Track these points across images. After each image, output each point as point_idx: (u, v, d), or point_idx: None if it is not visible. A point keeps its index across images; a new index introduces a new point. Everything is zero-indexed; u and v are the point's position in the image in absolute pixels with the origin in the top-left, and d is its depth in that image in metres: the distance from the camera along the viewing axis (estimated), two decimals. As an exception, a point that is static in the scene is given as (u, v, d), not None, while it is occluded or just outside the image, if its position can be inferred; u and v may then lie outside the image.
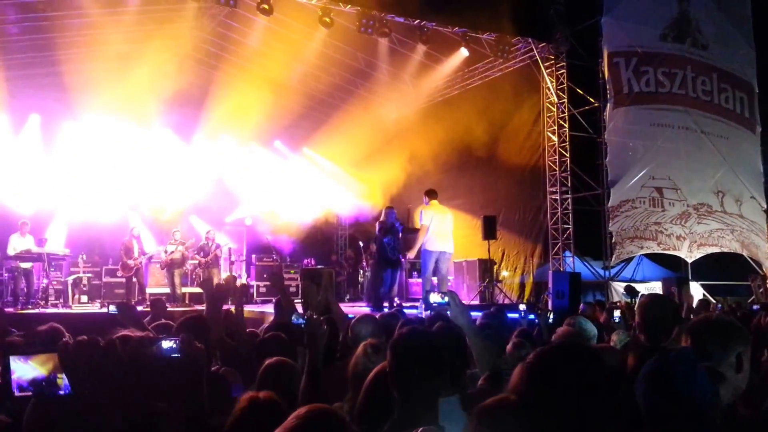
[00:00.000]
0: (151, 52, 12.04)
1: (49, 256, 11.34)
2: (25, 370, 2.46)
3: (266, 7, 10.74)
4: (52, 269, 11.59)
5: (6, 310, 6.40)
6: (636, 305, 4.56)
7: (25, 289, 10.85)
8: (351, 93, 14.64)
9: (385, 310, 9.23)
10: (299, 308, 5.15)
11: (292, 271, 14.07)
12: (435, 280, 9.90)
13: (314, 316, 3.13)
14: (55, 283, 11.70)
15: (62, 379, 2.40)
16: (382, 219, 10.32)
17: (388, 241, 10.17)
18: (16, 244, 11.01)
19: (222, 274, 12.91)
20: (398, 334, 2.41)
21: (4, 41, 11.81)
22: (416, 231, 9.91)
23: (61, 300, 11.59)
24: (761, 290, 11.00)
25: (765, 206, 13.20)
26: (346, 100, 14.74)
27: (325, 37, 12.25)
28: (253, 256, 14.59)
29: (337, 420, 1.75)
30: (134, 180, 14.50)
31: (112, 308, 6.53)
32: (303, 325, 3.89)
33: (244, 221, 15.50)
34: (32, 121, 13.90)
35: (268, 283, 13.50)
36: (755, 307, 5.86)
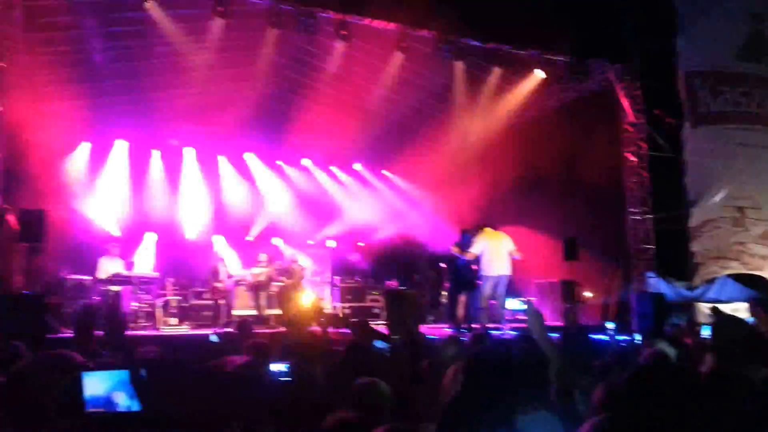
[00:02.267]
0: (232, 78, 12.65)
1: (139, 279, 11.57)
2: (96, 387, 2.45)
3: (345, 33, 11.19)
4: (141, 292, 11.73)
5: (97, 332, 6.76)
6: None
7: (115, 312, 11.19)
8: (428, 116, 14.90)
9: (464, 331, 9.42)
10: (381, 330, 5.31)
11: (376, 293, 14.31)
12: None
13: (399, 340, 3.22)
14: (144, 305, 11.83)
15: (124, 397, 2.43)
16: (457, 241, 10.60)
17: (463, 262, 10.44)
18: (107, 267, 11.31)
19: (306, 296, 13.29)
20: (471, 354, 2.46)
21: (92, 70, 12.18)
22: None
23: (150, 322, 11.70)
24: None
25: None
26: (423, 123, 15.00)
27: (402, 62, 12.59)
28: (337, 278, 14.93)
29: None
30: (219, 204, 15.10)
31: (214, 337, 6.91)
32: (386, 350, 3.97)
33: (327, 243, 15.88)
34: (120, 147, 14.28)
35: (351, 304, 13.83)
36: None
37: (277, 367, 2.74)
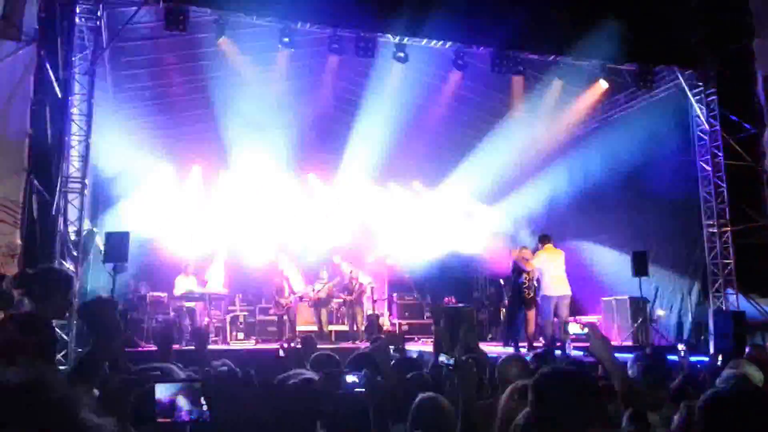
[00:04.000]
0: (296, 103, 12.95)
1: (210, 296, 12.28)
2: (169, 397, 2.55)
3: (402, 54, 11.20)
4: (213, 308, 12.43)
5: (174, 346, 7.17)
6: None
7: (189, 327, 11.60)
8: (488, 131, 14.71)
9: (522, 350, 9.12)
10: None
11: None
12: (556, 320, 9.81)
13: (463, 357, 3.19)
14: (215, 321, 12.47)
15: (195, 407, 2.51)
16: (517, 258, 10.34)
17: (522, 280, 10.16)
18: (181, 285, 12.02)
19: (366, 312, 13.30)
20: (540, 374, 2.36)
21: (171, 102, 13.24)
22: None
23: (220, 337, 12.33)
24: None
25: None
26: (483, 138, 14.82)
27: (459, 79, 12.48)
28: (395, 294, 14.90)
29: None
30: (283, 223, 15.38)
31: (281, 353, 7.13)
32: (451, 366, 3.93)
33: (385, 260, 15.89)
34: (194, 171, 15.22)
35: (409, 321, 13.77)
36: None
37: (350, 378, 2.79)
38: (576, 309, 13.07)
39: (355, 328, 12.79)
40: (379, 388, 2.59)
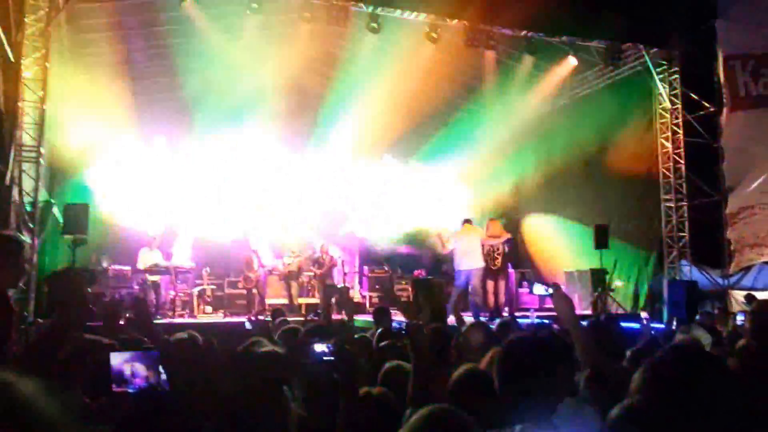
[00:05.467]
0: (264, 72, 12.80)
1: (176, 270, 11.99)
2: (123, 366, 2.49)
3: (375, 26, 11.21)
4: (179, 282, 12.22)
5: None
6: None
7: (155, 301, 11.42)
8: (459, 105, 14.85)
9: (482, 319, 9.47)
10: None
11: (404, 282, 14.41)
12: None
13: (415, 323, 3.27)
14: (182, 294, 12.33)
15: (151, 376, 2.44)
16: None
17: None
18: (146, 258, 11.71)
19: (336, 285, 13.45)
20: (507, 340, 2.42)
21: (132, 69, 12.59)
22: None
23: (187, 310, 12.23)
24: None
25: None
26: (454, 112, 14.96)
27: (432, 52, 12.55)
28: (365, 267, 15.05)
29: (460, 419, 1.85)
30: (252, 195, 15.28)
31: (248, 324, 7.11)
32: (404, 332, 4.08)
33: (356, 234, 15.99)
34: (158, 141, 14.41)
35: (380, 293, 13.97)
36: None
37: (319, 347, 2.83)
38: (541, 279, 13.52)
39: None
40: (348, 357, 2.67)
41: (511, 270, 13.17)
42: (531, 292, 10.42)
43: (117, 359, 2.50)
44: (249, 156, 15.21)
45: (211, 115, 13.35)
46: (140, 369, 2.50)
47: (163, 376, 2.49)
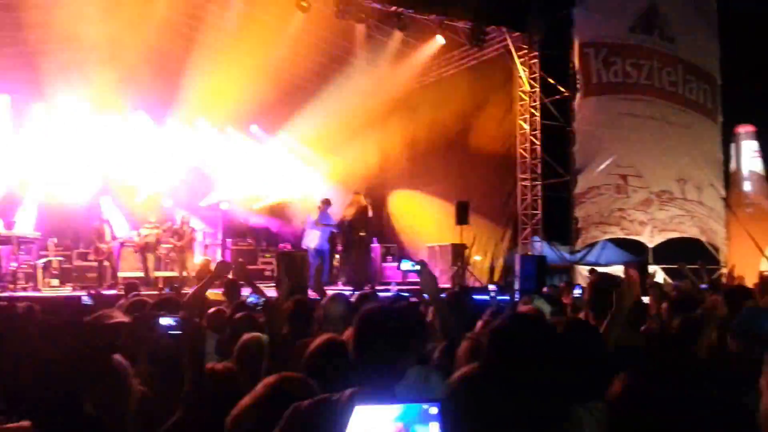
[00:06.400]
0: (124, 34, 11.98)
1: (18, 239, 11.17)
2: None
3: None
4: (22, 252, 11.43)
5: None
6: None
7: None
8: (328, 78, 14.71)
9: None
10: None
11: (268, 255, 14.19)
12: None
13: (272, 297, 3.25)
14: (25, 266, 11.52)
15: None
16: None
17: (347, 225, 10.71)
18: None
19: (196, 259, 12.98)
20: (364, 310, 2.44)
21: None
22: None
23: (31, 283, 11.38)
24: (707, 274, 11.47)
25: (723, 194, 13.65)
26: (322, 85, 14.80)
27: (302, 22, 12.29)
28: (229, 240, 14.66)
29: (306, 386, 1.86)
30: (107, 163, 14.38)
31: (87, 299, 6.54)
32: (259, 305, 4.02)
33: (220, 205, 15.52)
34: (1, 101, 13.53)
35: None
36: (703, 286, 6.23)
37: (165, 321, 2.71)
38: (405, 254, 13.84)
39: (184, 275, 12.44)
40: (194, 331, 2.57)
41: (375, 244, 13.38)
42: (399, 267, 10.61)
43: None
44: (103, 121, 14.21)
45: (61, 75, 12.37)
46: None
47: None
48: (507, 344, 1.81)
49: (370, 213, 10.61)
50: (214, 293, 8.47)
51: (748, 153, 14.07)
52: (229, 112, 14.86)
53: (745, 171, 13.99)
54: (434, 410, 1.38)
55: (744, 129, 14.06)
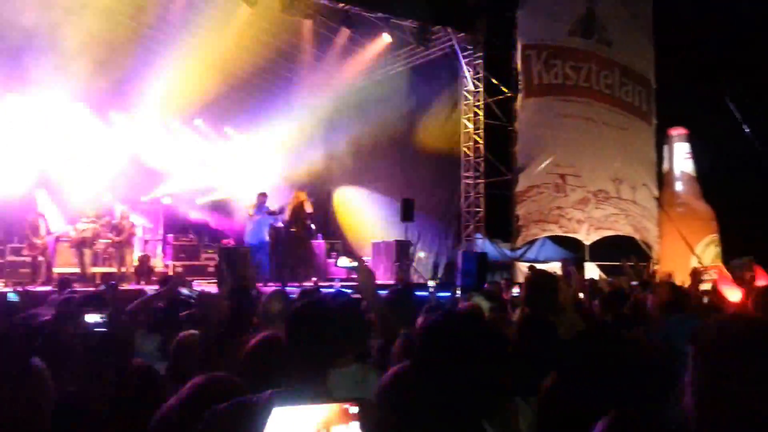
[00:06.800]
0: (64, 22, 11.59)
1: None
2: None
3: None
4: None
5: None
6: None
7: None
8: (274, 73, 14.59)
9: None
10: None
11: (210, 251, 13.98)
12: None
13: (206, 293, 3.22)
14: None
15: None
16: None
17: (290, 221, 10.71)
18: None
19: (135, 254, 12.69)
20: (295, 306, 2.45)
21: None
22: None
23: None
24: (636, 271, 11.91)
25: (656, 193, 14.21)
26: (269, 80, 14.67)
27: (249, 16, 12.13)
28: (170, 235, 14.37)
29: (233, 387, 1.84)
30: (43, 155, 13.90)
31: (13, 296, 6.27)
32: (192, 299, 3.98)
33: (162, 200, 15.19)
34: None
35: (184, 262, 13.46)
36: (633, 283, 6.49)
37: (91, 318, 2.64)
38: (350, 250, 13.88)
39: (123, 271, 12.14)
40: (120, 328, 2.53)
41: (320, 240, 13.36)
42: (336, 264, 10.55)
43: None
44: (39, 111, 13.71)
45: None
46: None
47: None
48: (436, 341, 1.83)
49: (309, 209, 10.48)
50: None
51: (680, 155, 14.62)
52: (173, 105, 14.55)
53: (677, 172, 14.54)
54: (354, 409, 1.38)
55: (676, 131, 14.61)
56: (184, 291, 4.23)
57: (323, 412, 1.36)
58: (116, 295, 6.32)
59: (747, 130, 13.36)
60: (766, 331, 1.26)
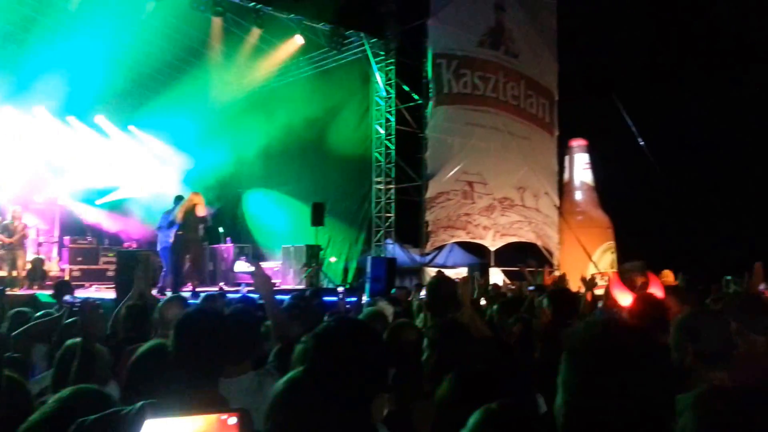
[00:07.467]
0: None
1: None
2: None
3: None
4: None
5: None
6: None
7: None
8: (182, 71, 14.15)
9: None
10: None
11: (111, 254, 13.34)
12: None
13: (88, 302, 3.08)
14: None
15: None
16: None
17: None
18: None
19: (28, 257, 11.95)
20: (182, 313, 2.43)
21: None
22: None
23: None
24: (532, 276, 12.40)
25: (557, 202, 14.84)
26: (176, 77, 14.21)
27: (155, 10, 11.72)
28: (66, 237, 13.62)
29: (101, 399, 1.77)
30: None
31: None
32: (76, 308, 3.84)
33: (58, 201, 14.38)
34: None
35: (82, 266, 12.79)
36: (530, 288, 6.73)
37: None
38: (261, 255, 13.66)
39: (14, 274, 11.41)
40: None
41: (229, 244, 13.05)
42: (232, 269, 10.27)
43: None
44: None
45: None
46: None
47: None
48: (325, 348, 1.83)
49: (201, 212, 10.03)
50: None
51: (580, 165, 15.36)
52: (72, 100, 13.85)
53: (576, 182, 15.26)
54: (233, 420, 1.35)
55: (577, 143, 15.34)
56: (67, 298, 4.01)
57: (199, 423, 1.32)
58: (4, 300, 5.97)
59: (642, 143, 14.19)
60: (618, 338, 1.37)
